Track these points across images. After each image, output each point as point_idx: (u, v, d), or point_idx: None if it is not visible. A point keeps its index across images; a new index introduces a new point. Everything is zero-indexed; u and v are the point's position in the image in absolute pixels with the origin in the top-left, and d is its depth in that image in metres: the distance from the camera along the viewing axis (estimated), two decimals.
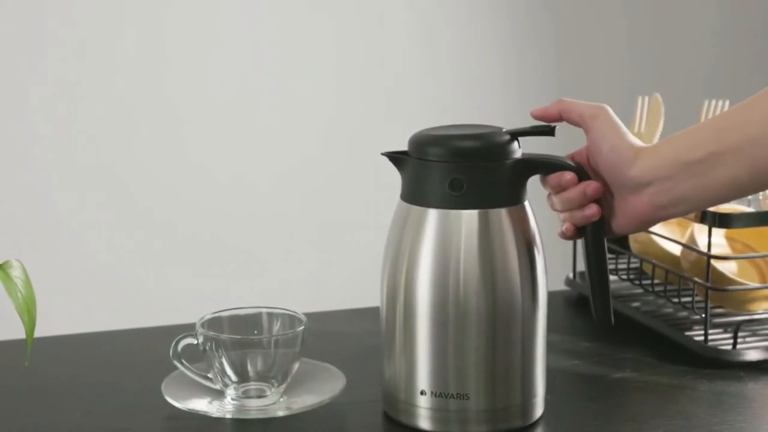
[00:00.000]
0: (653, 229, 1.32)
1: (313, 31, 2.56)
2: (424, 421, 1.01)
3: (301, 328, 1.05)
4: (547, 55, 2.70)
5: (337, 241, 2.49)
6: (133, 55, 2.43)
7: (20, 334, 1.11)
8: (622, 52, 2.74)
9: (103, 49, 2.40)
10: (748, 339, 1.22)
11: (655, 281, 1.33)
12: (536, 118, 1.03)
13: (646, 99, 1.47)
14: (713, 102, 1.47)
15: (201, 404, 1.04)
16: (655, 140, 1.45)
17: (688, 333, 1.23)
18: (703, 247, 1.21)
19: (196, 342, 1.05)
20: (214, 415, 1.02)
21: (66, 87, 2.39)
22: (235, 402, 1.04)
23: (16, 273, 0.93)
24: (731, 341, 1.19)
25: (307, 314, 1.07)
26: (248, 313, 1.09)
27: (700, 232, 1.23)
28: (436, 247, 0.98)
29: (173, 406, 1.03)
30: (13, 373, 1.14)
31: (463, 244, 0.98)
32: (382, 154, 1.01)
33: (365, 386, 1.10)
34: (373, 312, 1.32)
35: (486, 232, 0.98)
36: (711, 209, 1.20)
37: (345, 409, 1.06)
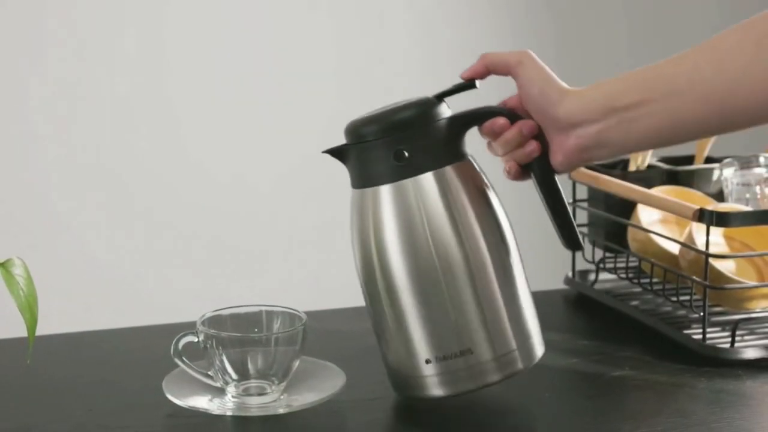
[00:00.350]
0: (652, 228, 1.33)
1: (313, 31, 2.56)
2: (436, 388, 1.02)
3: (301, 325, 1.06)
4: (547, 55, 2.70)
5: (337, 241, 2.50)
6: (134, 55, 2.43)
7: (21, 332, 1.12)
8: (622, 52, 2.75)
9: (104, 49, 2.41)
10: (746, 337, 1.23)
11: (654, 280, 1.33)
12: (467, 79, 1.05)
13: None
14: None
15: (202, 402, 1.04)
16: None
17: (686, 331, 1.24)
18: (702, 246, 1.21)
19: (196, 340, 1.05)
20: (214, 413, 1.03)
21: (66, 87, 2.40)
22: (235, 399, 1.05)
23: (17, 271, 0.94)
24: (729, 339, 1.20)
25: (307, 313, 1.08)
26: (249, 311, 1.09)
27: (698, 231, 1.24)
28: (399, 219, 1.01)
29: (174, 404, 1.04)
30: (15, 371, 1.15)
31: (424, 208, 1.01)
32: (323, 152, 1.04)
33: (365, 384, 1.10)
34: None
35: (442, 190, 1.01)
36: (710, 207, 1.21)
37: (345, 407, 1.06)
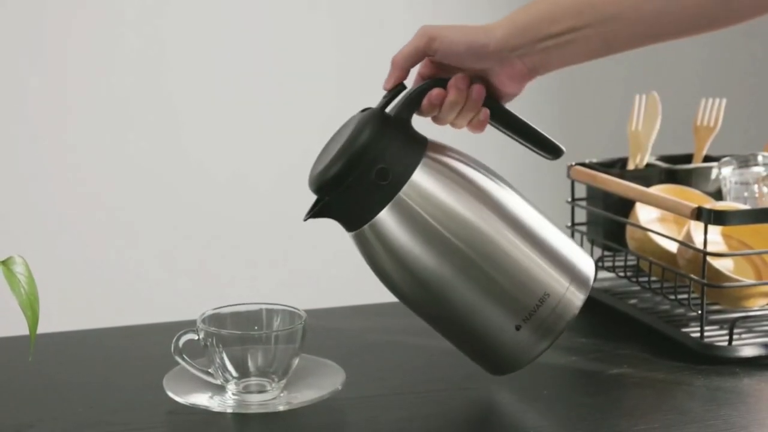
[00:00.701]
0: (650, 226, 1.33)
1: (313, 30, 2.57)
2: (538, 344, 1.04)
3: (301, 323, 1.06)
4: None
5: (337, 240, 2.50)
6: (134, 54, 2.44)
7: (23, 330, 1.13)
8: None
9: (104, 48, 2.42)
10: (744, 335, 1.23)
11: (652, 278, 1.34)
12: (391, 89, 1.05)
13: (644, 97, 1.49)
14: (709, 100, 1.49)
15: (202, 399, 1.05)
16: (653, 139, 1.47)
17: (684, 329, 1.24)
18: (700, 244, 1.22)
19: (197, 338, 1.06)
20: (215, 410, 1.03)
21: (65, 86, 2.40)
22: (235, 397, 1.05)
23: (19, 269, 0.94)
24: (727, 338, 1.20)
25: (306, 311, 1.09)
26: (248, 309, 1.10)
27: (696, 230, 1.24)
28: (411, 236, 1.01)
29: (175, 401, 1.04)
30: (17, 369, 1.16)
31: (428, 202, 1.01)
32: (305, 220, 1.04)
33: (365, 382, 1.11)
34: (372, 309, 1.33)
35: (436, 176, 1.01)
36: (708, 206, 1.22)
37: (345, 404, 1.07)
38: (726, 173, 1.38)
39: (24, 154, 2.39)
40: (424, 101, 1.03)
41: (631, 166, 1.46)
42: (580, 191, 1.44)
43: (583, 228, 1.45)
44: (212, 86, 2.50)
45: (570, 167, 1.42)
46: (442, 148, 1.04)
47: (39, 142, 2.40)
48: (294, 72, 2.55)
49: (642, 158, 1.46)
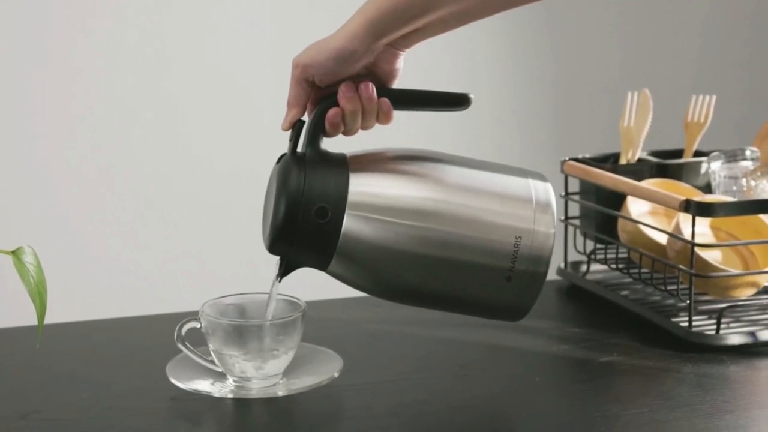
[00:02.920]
0: (641, 220, 1.37)
1: (313, 24, 2.59)
2: (534, 280, 1.04)
3: (300, 312, 1.09)
4: (542, 53, 2.74)
5: None
6: (136, 50, 2.46)
7: (28, 321, 1.16)
8: (613, 49, 2.78)
9: (106, 43, 2.44)
10: (731, 324, 1.26)
11: (643, 270, 1.37)
12: (289, 128, 1.08)
13: (635, 94, 1.52)
14: (700, 97, 1.52)
15: (204, 385, 1.08)
16: (644, 134, 1.50)
17: (674, 319, 1.27)
18: (688, 236, 1.25)
19: (199, 326, 1.09)
20: (216, 395, 1.07)
21: (68, 80, 2.43)
22: (236, 383, 1.09)
23: (28, 259, 0.97)
24: (715, 326, 1.24)
25: (306, 302, 1.12)
26: (249, 298, 1.13)
27: (685, 222, 1.27)
28: (375, 238, 1.02)
29: (177, 387, 1.08)
30: (24, 357, 1.19)
31: (377, 211, 1.02)
32: (279, 282, 1.06)
33: (361, 369, 1.14)
34: (369, 300, 1.36)
35: (370, 186, 1.02)
36: (696, 199, 1.25)
37: (342, 391, 1.10)
38: (715, 167, 1.42)
39: (29, 150, 2.42)
40: (326, 125, 1.04)
41: (623, 161, 1.49)
42: (574, 186, 1.47)
43: (576, 221, 1.48)
44: (213, 81, 2.53)
45: (563, 162, 1.45)
46: (362, 155, 1.05)
47: (44, 138, 2.42)
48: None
49: (634, 153, 1.49)
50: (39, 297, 0.97)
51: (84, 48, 2.43)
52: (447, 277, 1.03)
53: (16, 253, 0.96)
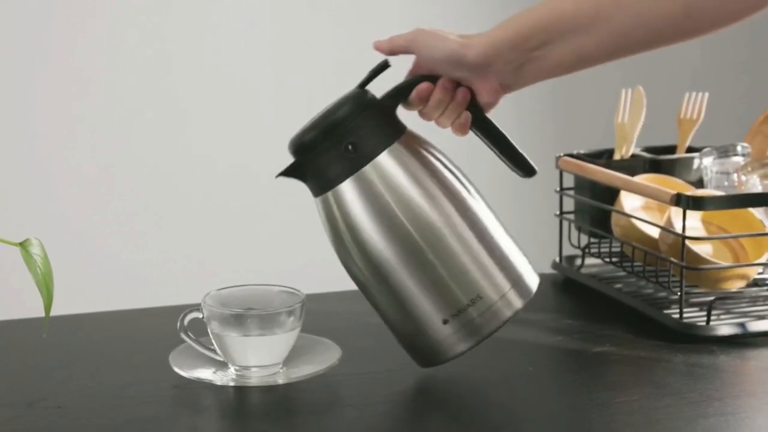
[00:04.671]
0: (635, 214, 1.39)
1: (314, 24, 2.62)
2: (461, 344, 1.08)
3: (299, 302, 1.12)
4: None
5: None
6: (138, 49, 2.49)
7: (34, 313, 1.19)
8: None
9: (108, 42, 2.47)
10: (722, 316, 1.29)
11: (636, 263, 1.39)
12: (383, 52, 1.12)
13: (630, 91, 1.54)
14: (693, 94, 1.54)
15: (206, 374, 1.11)
16: (638, 131, 1.53)
17: (666, 311, 1.30)
18: (680, 230, 1.28)
19: (201, 316, 1.12)
20: (218, 383, 1.09)
21: (68, 80, 2.45)
22: (237, 371, 1.11)
23: (35, 250, 1.00)
24: (705, 318, 1.26)
25: (306, 295, 1.14)
26: (250, 289, 1.16)
27: (676, 216, 1.30)
28: (367, 207, 1.07)
29: (180, 376, 1.10)
30: (30, 347, 1.22)
31: (387, 185, 1.06)
32: (277, 176, 1.10)
33: (359, 359, 1.17)
34: None
35: (399, 163, 1.07)
36: (688, 193, 1.28)
37: (340, 379, 1.13)
38: (707, 163, 1.44)
39: (32, 149, 2.44)
40: (413, 93, 1.09)
41: (617, 157, 1.52)
42: (569, 181, 1.50)
43: (571, 216, 1.51)
44: (215, 80, 2.55)
45: (558, 158, 1.48)
46: (418, 141, 1.10)
47: (46, 137, 2.45)
48: (294, 67, 2.60)
49: (628, 149, 1.52)
50: (46, 287, 1.00)
51: (84, 48, 2.46)
52: (399, 282, 1.07)
53: (23, 245, 0.99)
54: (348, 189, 1.07)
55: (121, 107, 2.50)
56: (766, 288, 1.36)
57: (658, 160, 1.48)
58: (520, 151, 1.12)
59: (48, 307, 1.00)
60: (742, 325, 1.25)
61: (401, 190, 1.07)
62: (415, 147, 1.09)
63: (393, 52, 1.11)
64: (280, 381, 1.10)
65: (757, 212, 1.35)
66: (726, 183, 1.42)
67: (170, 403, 1.09)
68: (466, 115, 1.10)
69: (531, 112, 2.71)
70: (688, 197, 1.25)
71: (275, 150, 2.59)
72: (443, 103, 1.09)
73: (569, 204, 1.51)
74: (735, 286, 1.33)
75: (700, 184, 1.46)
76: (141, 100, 2.51)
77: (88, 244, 2.49)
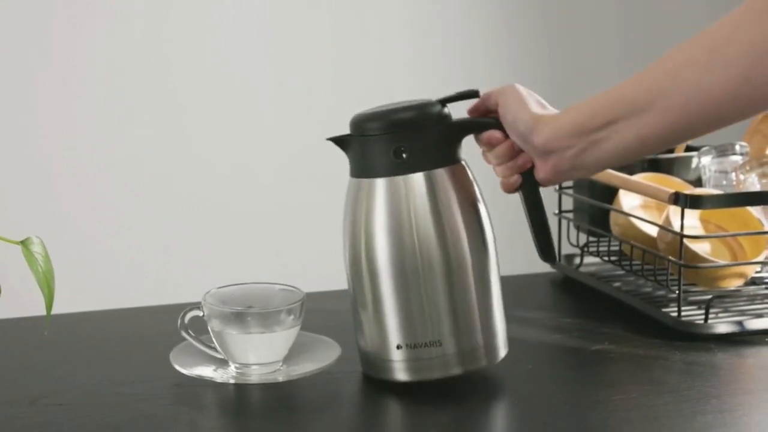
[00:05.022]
0: (633, 213, 1.40)
1: (314, 25, 2.62)
2: (402, 373, 1.09)
3: (300, 300, 1.13)
4: (542, 55, 2.78)
5: (337, 229, 2.56)
6: (137, 49, 2.50)
7: (35, 312, 1.20)
8: (613, 47, 2.81)
9: (108, 42, 2.48)
10: (720, 314, 1.30)
11: (635, 262, 1.40)
12: (474, 113, 1.13)
13: None
14: None
15: (206, 371, 1.11)
16: None
17: (664, 310, 1.30)
18: (678, 229, 1.28)
19: (201, 314, 1.13)
20: (218, 381, 1.10)
21: (71, 79, 2.46)
22: (238, 369, 1.12)
23: (36, 249, 1.01)
24: (703, 316, 1.27)
25: (306, 294, 1.15)
26: (250, 287, 1.17)
27: (674, 214, 1.31)
28: (387, 213, 1.08)
29: (181, 374, 1.11)
30: (34, 345, 1.23)
31: (413, 204, 1.07)
32: (327, 139, 1.10)
33: (358, 356, 1.17)
34: None
35: (432, 191, 1.08)
36: (687, 192, 1.28)
37: (340, 376, 1.13)
38: (705, 162, 1.45)
39: (31, 149, 2.45)
40: (484, 135, 1.11)
41: None
42: None
43: (570, 215, 1.51)
44: (215, 80, 2.56)
45: None
46: (465, 177, 1.10)
47: (46, 137, 2.46)
48: (294, 66, 2.61)
49: None
50: (47, 285, 1.01)
51: (84, 48, 2.46)
52: (379, 292, 1.09)
53: (24, 243, 1.00)
54: (380, 186, 1.08)
55: (121, 107, 2.51)
56: (763, 286, 1.37)
57: (657, 159, 1.49)
58: (551, 236, 1.14)
59: (49, 305, 1.01)
60: (739, 323, 1.26)
61: (424, 214, 1.07)
62: (459, 180, 1.09)
63: (488, 111, 1.12)
64: (280, 378, 1.10)
65: (755, 211, 1.35)
66: (724, 182, 1.43)
67: (171, 400, 1.09)
68: (517, 179, 1.11)
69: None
70: (687, 196, 1.26)
71: (275, 149, 2.64)
72: (504, 159, 1.11)
73: (568, 203, 1.52)
74: (733, 284, 1.33)
75: (698, 183, 1.47)
76: (141, 100, 2.52)
77: (89, 244, 2.50)
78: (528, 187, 1.12)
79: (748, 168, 1.42)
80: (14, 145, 2.44)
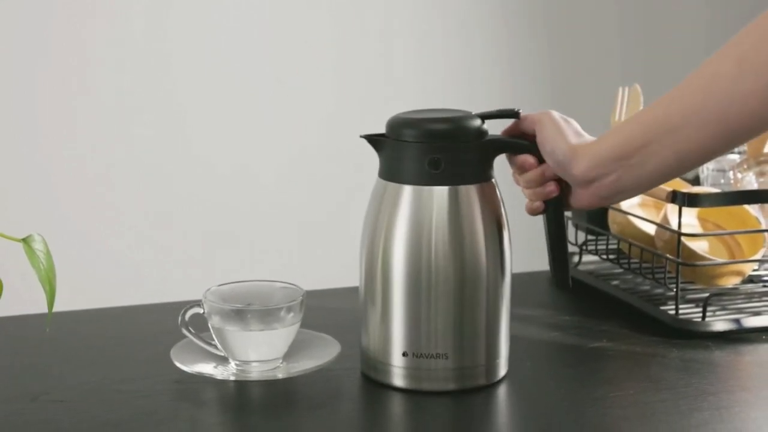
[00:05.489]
0: (632, 211, 1.41)
1: (314, 25, 2.63)
2: (401, 380, 1.10)
3: (300, 298, 1.13)
4: (542, 55, 2.78)
5: (337, 229, 2.57)
6: (138, 49, 2.50)
7: (36, 309, 1.20)
8: (613, 47, 2.82)
9: (109, 42, 2.48)
10: (717, 312, 1.30)
11: (633, 260, 1.41)
12: (509, 134, 1.13)
13: (626, 89, 1.55)
14: None
15: (207, 368, 1.12)
16: None
17: (662, 308, 1.31)
18: (676, 227, 1.29)
19: (202, 312, 1.13)
20: (219, 378, 1.11)
21: (71, 78, 2.47)
22: (238, 366, 1.13)
23: (38, 246, 1.01)
24: (701, 314, 1.28)
25: (306, 292, 1.16)
26: (251, 285, 1.17)
27: (673, 213, 1.31)
28: (410, 221, 1.08)
29: (181, 370, 1.12)
30: (35, 342, 1.23)
31: (435, 217, 1.07)
32: (361, 136, 1.10)
33: (358, 354, 1.18)
34: None
35: (456, 206, 1.08)
36: (684, 190, 1.29)
37: (339, 374, 1.14)
38: None
39: (32, 148, 2.46)
40: (519, 158, 1.11)
41: None
42: None
43: (569, 213, 1.52)
44: (215, 81, 2.57)
45: None
46: (494, 195, 1.10)
47: (46, 137, 2.47)
48: (295, 67, 2.61)
49: None
50: (49, 282, 1.01)
51: (84, 48, 2.47)
52: (394, 297, 1.09)
53: (26, 240, 1.00)
54: (407, 193, 1.08)
55: (121, 107, 2.52)
56: (761, 284, 1.37)
57: None
58: (569, 264, 1.15)
59: (51, 302, 1.01)
60: (737, 321, 1.27)
61: (446, 229, 1.07)
62: (487, 199, 1.09)
63: (523, 134, 1.12)
64: (280, 375, 1.11)
65: (752, 209, 1.36)
66: (722, 180, 1.44)
67: (171, 397, 1.10)
68: (540, 205, 1.12)
69: (528, 110, 2.72)
70: (684, 194, 1.26)
71: (275, 149, 2.64)
72: (533, 185, 1.11)
73: None
74: (730, 282, 1.34)
75: (696, 181, 1.47)
76: (141, 100, 2.53)
77: (90, 243, 2.51)
78: (552, 214, 1.12)
79: (745, 166, 1.43)
80: (14, 144, 2.45)
